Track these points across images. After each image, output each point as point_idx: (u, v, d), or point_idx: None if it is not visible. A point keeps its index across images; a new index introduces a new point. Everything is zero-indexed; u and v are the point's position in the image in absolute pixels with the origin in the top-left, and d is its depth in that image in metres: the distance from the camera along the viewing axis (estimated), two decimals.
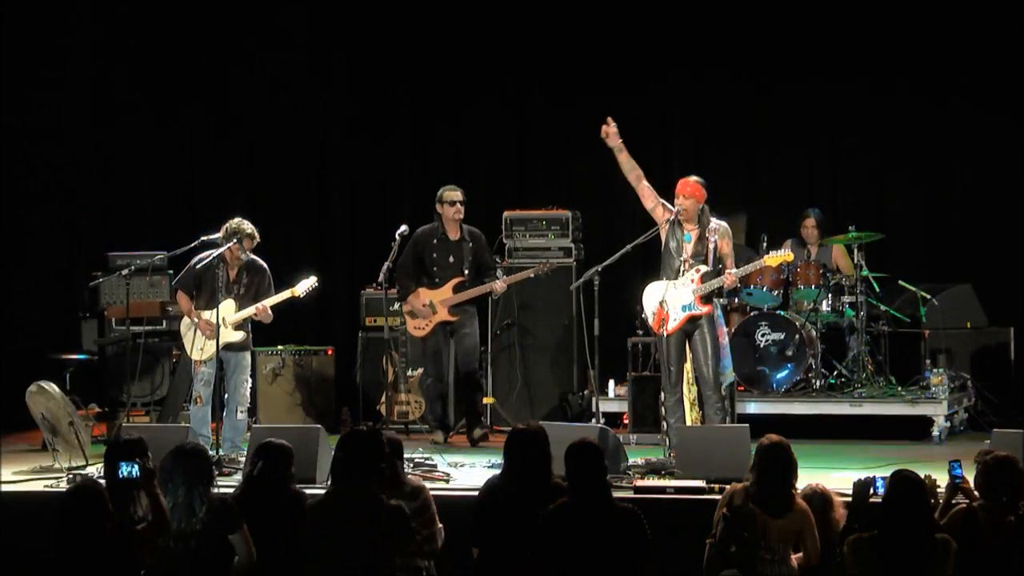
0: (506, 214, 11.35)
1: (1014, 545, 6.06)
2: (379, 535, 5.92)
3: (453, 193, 10.41)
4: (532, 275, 10.49)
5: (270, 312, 9.47)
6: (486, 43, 12.60)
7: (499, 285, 10.35)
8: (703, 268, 8.99)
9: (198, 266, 9.49)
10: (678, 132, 12.51)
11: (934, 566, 5.76)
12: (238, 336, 9.42)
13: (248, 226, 9.47)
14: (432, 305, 10.32)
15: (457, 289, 10.36)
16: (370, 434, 6.30)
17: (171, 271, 10.81)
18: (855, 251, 10.82)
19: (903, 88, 12.03)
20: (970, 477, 6.48)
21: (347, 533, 5.92)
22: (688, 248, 9.04)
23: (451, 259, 10.42)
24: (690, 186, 9.04)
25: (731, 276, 8.91)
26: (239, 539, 6.19)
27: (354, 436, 6.26)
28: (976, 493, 6.37)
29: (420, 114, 12.90)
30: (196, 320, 9.45)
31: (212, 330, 9.35)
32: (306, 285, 9.56)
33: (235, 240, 9.37)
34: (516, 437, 6.53)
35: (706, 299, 8.99)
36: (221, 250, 9.38)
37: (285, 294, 9.51)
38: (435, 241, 10.42)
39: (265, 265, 9.61)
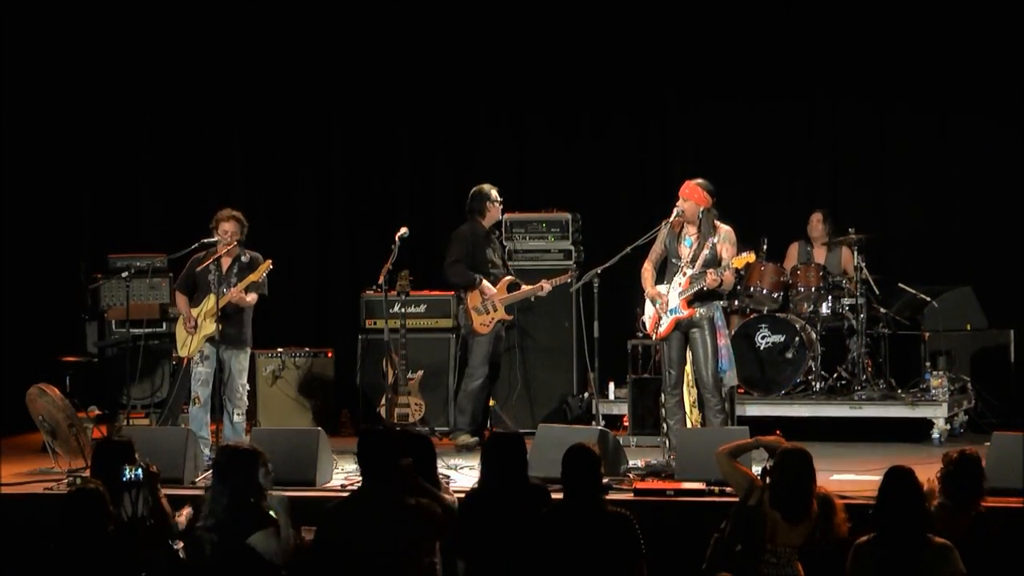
0: (506, 216, 11.32)
1: (970, 542, 6.06)
2: (402, 535, 5.89)
3: (497, 191, 10.43)
4: (569, 280, 10.39)
5: (243, 294, 9.38)
6: (488, 48, 12.61)
7: (547, 286, 10.37)
8: (689, 271, 8.99)
9: (193, 266, 9.53)
10: (678, 138, 12.52)
11: (932, 569, 5.75)
12: (215, 327, 9.36)
13: (227, 211, 9.50)
14: (492, 302, 10.29)
15: (511, 288, 10.35)
16: (384, 433, 6.27)
17: (171, 273, 10.82)
18: (855, 253, 10.83)
19: (903, 92, 12.04)
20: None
21: (369, 534, 5.88)
22: (686, 252, 9.04)
23: (496, 257, 10.46)
24: (690, 188, 9.02)
25: (711, 274, 8.88)
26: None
27: (368, 436, 6.23)
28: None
29: (420, 116, 12.91)
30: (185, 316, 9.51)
31: (191, 326, 9.40)
32: (263, 269, 9.49)
33: (218, 227, 9.41)
34: (492, 442, 6.56)
35: (691, 302, 8.98)
36: (219, 253, 9.40)
37: (245, 281, 9.45)
38: (482, 238, 10.39)
39: (258, 256, 9.57)
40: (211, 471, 6.54)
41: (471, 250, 10.31)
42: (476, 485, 6.66)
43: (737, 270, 9.13)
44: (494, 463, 6.44)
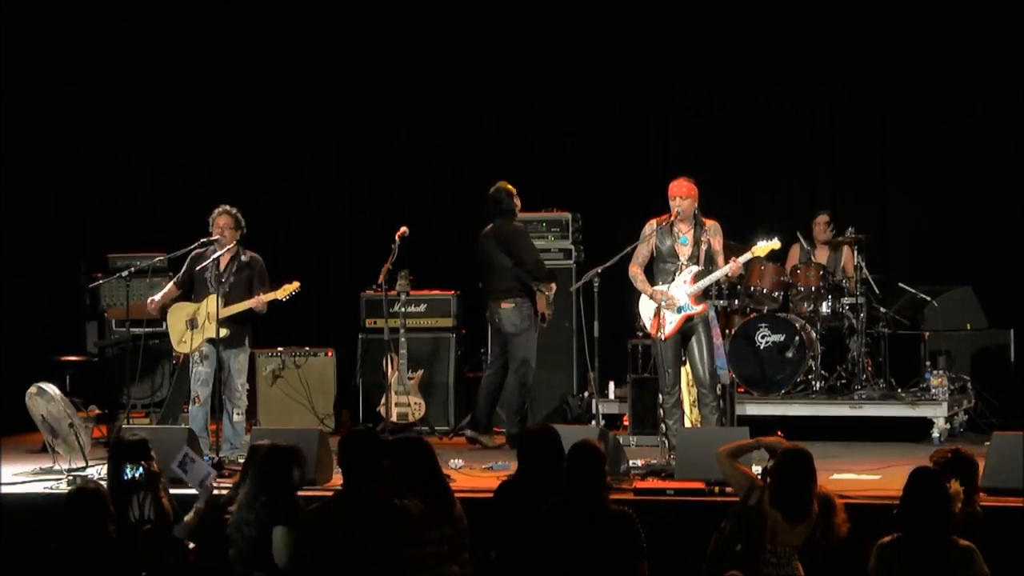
0: None
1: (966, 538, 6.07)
2: (382, 535, 5.90)
3: None
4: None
5: (264, 303, 9.44)
6: (488, 48, 12.64)
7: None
8: (695, 268, 9.01)
9: (192, 261, 9.57)
10: (679, 138, 12.52)
11: (956, 571, 5.74)
12: (222, 332, 9.31)
13: (221, 207, 9.52)
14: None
15: None
16: (367, 434, 6.30)
17: (171, 273, 10.82)
18: (855, 253, 10.83)
19: (903, 93, 12.05)
20: None
21: (350, 534, 5.90)
22: (684, 250, 9.05)
23: None
24: (685, 186, 9.04)
25: (736, 263, 8.93)
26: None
27: (351, 437, 6.26)
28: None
29: (421, 115, 12.92)
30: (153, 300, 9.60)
31: (154, 310, 9.51)
32: (290, 289, 9.51)
33: (214, 224, 9.43)
34: (528, 437, 6.60)
35: (700, 298, 9.01)
36: (218, 251, 9.41)
37: (271, 295, 9.46)
38: None
39: (258, 257, 9.58)
40: (245, 468, 6.57)
41: None
42: (510, 478, 6.69)
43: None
44: (529, 458, 6.48)
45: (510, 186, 10.46)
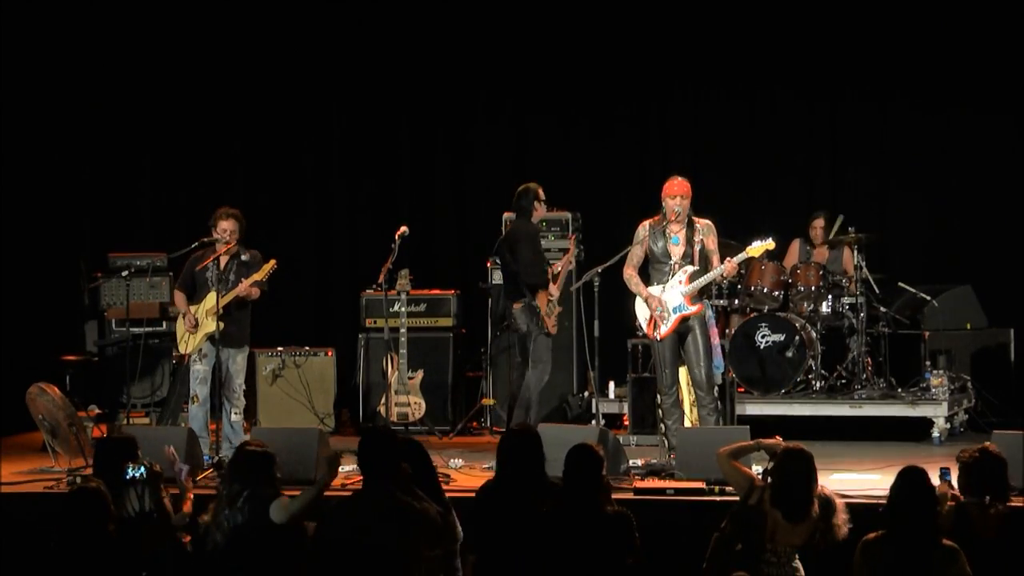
0: (506, 215, 11.32)
1: (1003, 538, 6.07)
2: (401, 535, 5.88)
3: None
4: (572, 254, 10.56)
5: (252, 289, 9.38)
6: (488, 48, 12.63)
7: (566, 265, 10.38)
8: (690, 268, 9.00)
9: (193, 264, 9.55)
10: (679, 138, 12.52)
11: (940, 570, 5.75)
12: (220, 326, 9.35)
13: (224, 209, 9.50)
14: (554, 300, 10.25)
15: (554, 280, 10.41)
16: (385, 433, 6.28)
17: (171, 272, 10.82)
18: (855, 252, 10.83)
19: (903, 92, 12.05)
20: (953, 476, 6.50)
21: (368, 532, 5.89)
22: (677, 250, 9.04)
23: None
24: (685, 186, 9.02)
25: (731, 263, 8.92)
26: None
27: (369, 436, 6.24)
28: (960, 495, 6.38)
29: (421, 115, 12.92)
30: (184, 314, 9.51)
31: (191, 325, 9.40)
32: (267, 269, 9.48)
33: (216, 226, 9.41)
34: (508, 439, 6.56)
35: (696, 298, 9.01)
36: (219, 252, 9.41)
37: (252, 278, 9.42)
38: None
39: (257, 253, 9.55)
40: (227, 468, 6.60)
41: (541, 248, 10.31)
42: (491, 481, 6.67)
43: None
44: (509, 460, 6.45)
45: (535, 185, 10.38)
